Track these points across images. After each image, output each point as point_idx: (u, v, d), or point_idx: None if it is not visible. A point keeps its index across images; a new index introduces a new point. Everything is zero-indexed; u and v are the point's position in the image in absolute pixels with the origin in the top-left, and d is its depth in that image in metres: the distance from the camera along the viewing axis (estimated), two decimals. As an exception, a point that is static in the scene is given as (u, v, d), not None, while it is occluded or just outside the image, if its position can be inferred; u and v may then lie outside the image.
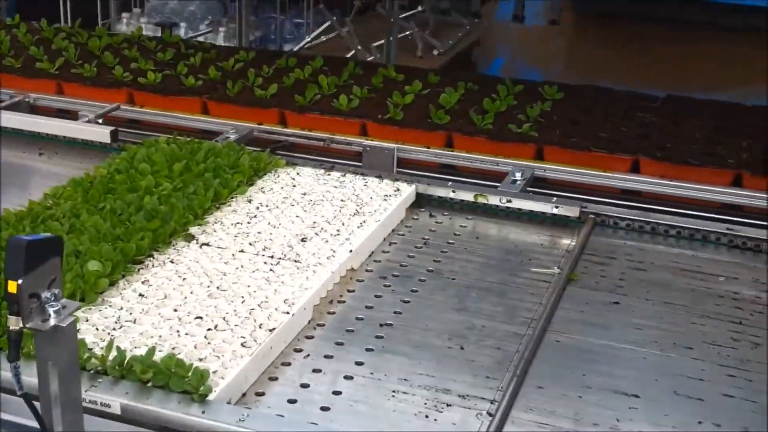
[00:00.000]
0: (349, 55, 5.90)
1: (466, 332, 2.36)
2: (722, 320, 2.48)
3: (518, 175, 3.16)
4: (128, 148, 3.17)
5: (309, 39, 6.73)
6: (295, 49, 6.44)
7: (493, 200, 3.02)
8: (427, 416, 2.04)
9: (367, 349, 2.27)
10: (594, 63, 6.70)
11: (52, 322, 1.66)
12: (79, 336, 2.05)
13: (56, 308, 1.67)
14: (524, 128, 3.41)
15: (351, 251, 2.57)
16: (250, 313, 2.25)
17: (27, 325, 1.65)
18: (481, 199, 3.02)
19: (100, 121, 3.57)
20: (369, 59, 6.14)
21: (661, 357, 2.30)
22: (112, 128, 3.40)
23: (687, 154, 3.29)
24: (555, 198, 3.02)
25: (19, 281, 1.61)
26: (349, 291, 2.53)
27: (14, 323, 1.64)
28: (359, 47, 6.42)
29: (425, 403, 2.08)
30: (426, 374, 2.18)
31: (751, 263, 2.81)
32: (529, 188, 3.14)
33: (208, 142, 3.22)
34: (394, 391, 2.12)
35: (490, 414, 2.04)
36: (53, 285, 1.68)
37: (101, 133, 3.41)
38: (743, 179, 3.21)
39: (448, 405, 2.08)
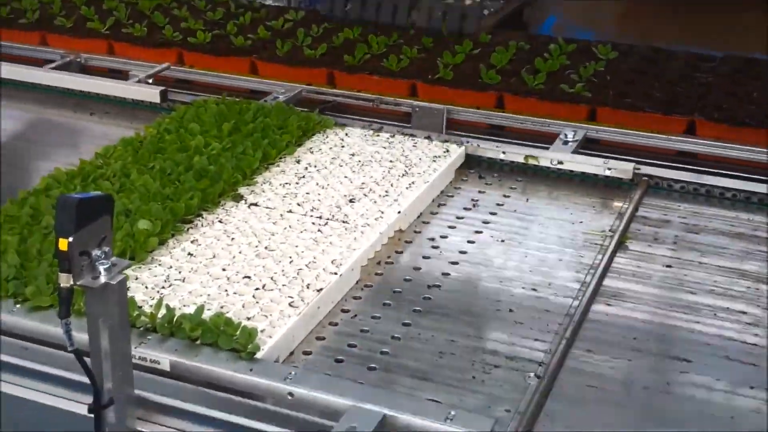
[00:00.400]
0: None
1: (517, 292, 2.36)
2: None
3: (570, 136, 3.12)
4: (178, 108, 3.19)
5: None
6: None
7: (544, 162, 3.00)
8: (474, 377, 2.04)
9: (414, 311, 2.28)
10: (648, 23, 6.57)
11: (103, 279, 1.69)
12: (129, 294, 2.09)
13: (107, 266, 1.69)
14: (577, 88, 3.38)
15: (399, 212, 2.57)
16: (297, 274, 2.27)
17: (78, 283, 1.67)
18: (531, 161, 3.00)
19: (150, 81, 3.60)
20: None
21: (714, 321, 2.28)
22: (162, 88, 3.42)
23: (744, 115, 3.23)
24: (608, 160, 2.98)
25: (70, 239, 1.63)
26: (397, 252, 2.53)
27: (65, 280, 1.66)
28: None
29: (473, 364, 2.08)
30: (473, 335, 2.18)
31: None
32: (581, 150, 3.11)
33: (257, 102, 3.23)
34: (441, 352, 2.12)
35: (538, 376, 2.03)
36: (104, 243, 1.70)
37: (151, 93, 3.43)
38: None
39: (495, 366, 2.08)
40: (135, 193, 2.53)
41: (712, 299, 2.37)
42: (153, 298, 2.15)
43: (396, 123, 3.35)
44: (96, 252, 1.69)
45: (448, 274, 2.43)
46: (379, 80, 3.58)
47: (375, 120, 3.30)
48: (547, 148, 3.08)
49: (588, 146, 3.18)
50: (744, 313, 2.32)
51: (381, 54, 3.72)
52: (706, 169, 3.04)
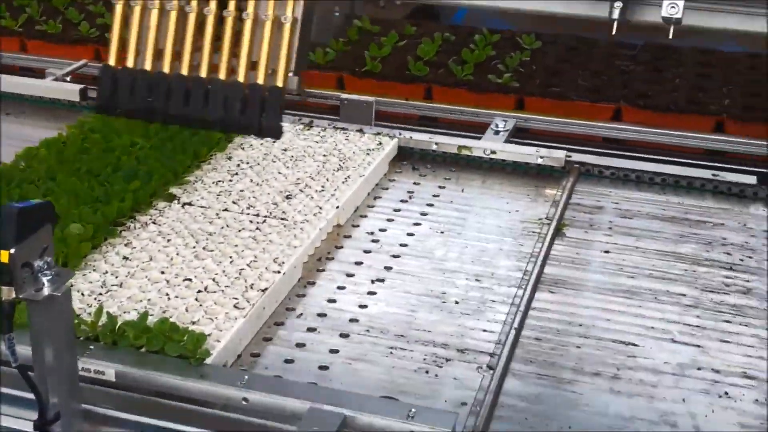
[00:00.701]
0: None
1: (461, 284, 2.35)
2: (713, 266, 2.49)
3: (501, 126, 3.13)
4: None
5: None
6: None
7: (477, 152, 3.00)
8: (427, 372, 2.03)
9: (361, 306, 2.25)
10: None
11: (46, 291, 1.62)
12: None
13: (50, 277, 1.63)
14: (504, 79, 3.39)
15: (338, 207, 2.54)
16: (240, 274, 2.22)
17: (21, 296, 1.60)
18: (464, 151, 3.00)
19: (68, 79, 3.49)
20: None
21: (656, 304, 2.31)
22: (82, 86, 3.32)
23: (668, 101, 3.29)
24: (539, 148, 3.00)
25: (12, 251, 1.56)
26: (337, 247, 2.50)
27: (6, 294, 1.59)
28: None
29: (424, 359, 2.07)
30: (423, 329, 2.17)
31: (737, 208, 2.82)
32: (512, 139, 3.12)
33: None
34: (391, 348, 2.10)
35: (490, 367, 2.03)
36: (45, 253, 1.64)
37: (70, 91, 3.32)
38: (726, 125, 3.22)
39: (447, 360, 2.07)
40: (63, 197, 2.44)
41: (652, 283, 2.40)
42: (91, 306, 2.08)
43: (324, 116, 3.32)
44: (38, 263, 1.62)
45: (391, 268, 2.41)
46: (305, 74, 3.52)
47: (304, 114, 3.26)
48: (479, 138, 3.08)
49: (518, 135, 3.21)
50: (683, 295, 2.36)
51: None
52: (636, 155, 3.10)
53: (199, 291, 2.16)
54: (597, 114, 3.30)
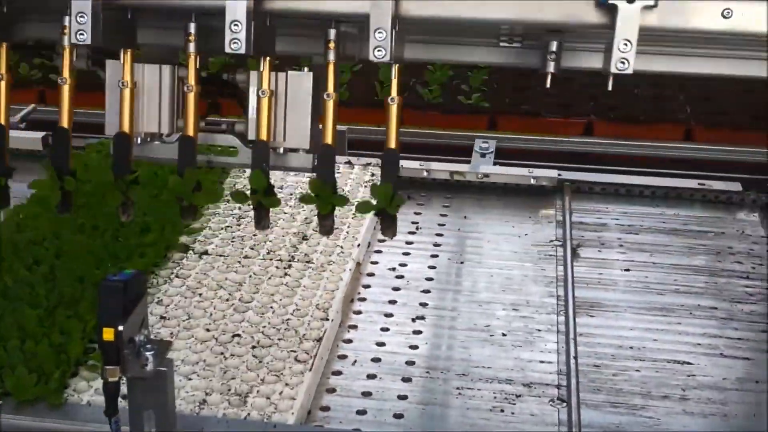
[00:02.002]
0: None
1: (500, 314, 2.37)
2: (731, 277, 2.58)
3: (486, 148, 3.16)
4: (74, 155, 2.97)
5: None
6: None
7: (470, 176, 3.02)
8: (502, 410, 2.03)
9: (411, 347, 2.24)
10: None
11: (151, 366, 1.55)
12: None
13: (153, 351, 1.56)
14: (474, 99, 3.42)
15: (358, 245, 2.52)
16: (287, 324, 2.18)
17: (128, 375, 1.54)
18: (457, 177, 3.02)
19: (23, 126, 3.33)
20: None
21: (693, 320, 2.37)
22: (43, 134, 3.18)
23: (638, 112, 3.39)
24: (532, 169, 3.05)
25: (120, 327, 1.50)
26: (364, 287, 2.48)
27: (113, 374, 1.53)
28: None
29: (494, 397, 2.07)
30: (482, 366, 2.17)
31: (729, 216, 2.93)
32: (496, 160, 3.16)
33: None
34: (458, 388, 2.10)
35: (562, 400, 2.05)
36: (143, 326, 1.57)
37: (31, 140, 3.18)
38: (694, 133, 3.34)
39: (517, 396, 2.08)
40: (78, 257, 2.34)
41: (681, 298, 2.47)
42: (144, 372, 2.00)
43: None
44: (139, 337, 1.55)
45: (426, 304, 2.41)
46: None
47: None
48: (467, 162, 3.11)
49: (500, 156, 3.24)
50: (715, 308, 2.43)
51: None
52: (622, 169, 3.18)
53: (254, 347, 2.10)
54: (569, 129, 3.36)
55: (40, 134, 3.20)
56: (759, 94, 3.59)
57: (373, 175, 2.94)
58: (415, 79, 3.61)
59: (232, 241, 2.53)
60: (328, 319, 2.20)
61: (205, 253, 2.48)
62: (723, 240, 2.77)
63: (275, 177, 2.86)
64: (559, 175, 3.02)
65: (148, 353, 1.55)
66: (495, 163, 3.11)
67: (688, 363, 2.21)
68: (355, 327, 2.31)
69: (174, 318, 2.21)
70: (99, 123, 3.37)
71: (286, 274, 2.38)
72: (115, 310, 1.50)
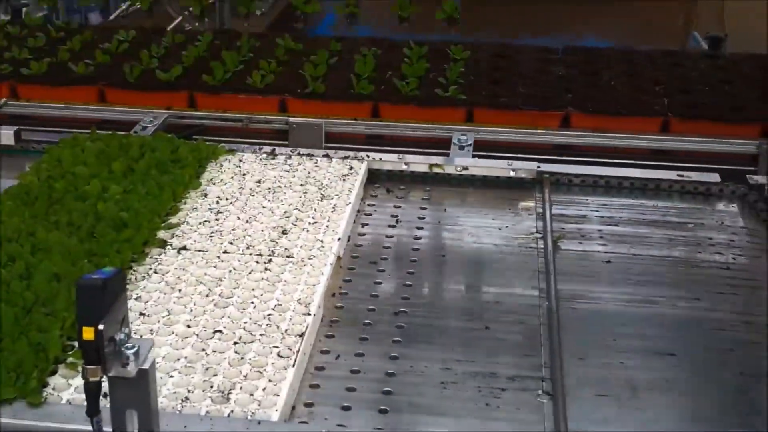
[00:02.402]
0: (171, 26, 5.55)
1: (483, 309, 2.33)
2: (711, 268, 2.57)
3: (464, 141, 3.14)
4: (47, 149, 2.92)
5: (124, 7, 6.30)
6: (111, 18, 6.05)
7: (449, 169, 2.99)
8: (487, 404, 2.00)
9: (395, 341, 2.20)
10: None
11: (133, 366, 1.51)
12: None
13: (134, 350, 1.51)
14: (452, 91, 3.39)
15: (339, 239, 2.48)
16: (269, 319, 2.13)
17: (110, 374, 1.49)
18: (436, 169, 2.98)
19: None
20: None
21: (678, 311, 2.35)
22: (16, 128, 3.13)
23: (616, 105, 3.36)
24: (511, 161, 3.03)
25: (100, 326, 1.45)
26: (345, 281, 2.44)
27: (94, 374, 1.48)
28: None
29: (479, 391, 2.04)
30: (466, 360, 2.14)
31: (708, 207, 2.92)
32: (474, 153, 3.13)
33: (136, 135, 3.01)
34: (443, 383, 2.06)
35: (548, 393, 2.02)
36: (124, 324, 1.53)
37: (4, 135, 3.11)
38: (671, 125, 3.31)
39: (502, 389, 2.04)
40: (53, 254, 2.28)
41: (664, 290, 2.45)
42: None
43: (271, 142, 3.24)
44: (119, 336, 1.51)
45: (408, 298, 2.37)
46: (247, 99, 3.44)
47: (262, 142, 3.18)
48: (445, 155, 3.08)
49: (477, 147, 3.21)
50: (697, 299, 2.42)
51: (239, 71, 3.59)
52: (600, 161, 3.17)
53: (235, 342, 2.06)
54: (546, 121, 3.33)
55: (12, 129, 3.14)
56: (735, 86, 3.59)
57: (351, 168, 2.90)
58: (391, 71, 3.56)
59: (211, 237, 2.48)
60: (310, 314, 2.16)
61: (184, 248, 2.43)
62: (702, 231, 2.76)
63: (254, 170, 2.84)
64: (539, 167, 3.00)
65: (129, 352, 1.51)
66: (473, 156, 3.07)
67: (672, 355, 2.18)
68: (337, 322, 2.27)
69: (154, 314, 2.16)
70: (72, 117, 3.38)
71: (266, 269, 2.34)
72: (95, 309, 1.45)
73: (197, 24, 4.74)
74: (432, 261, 2.56)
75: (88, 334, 1.45)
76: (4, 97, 3.43)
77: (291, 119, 3.28)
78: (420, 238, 2.67)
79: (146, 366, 1.53)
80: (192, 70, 3.61)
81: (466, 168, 2.99)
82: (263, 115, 3.35)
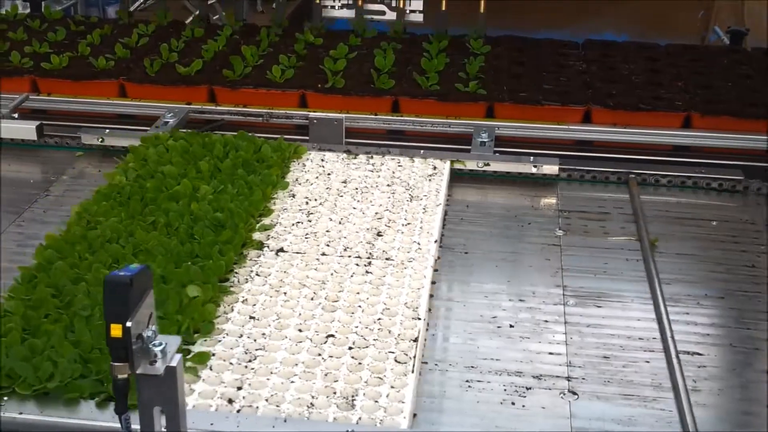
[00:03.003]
0: (189, 19, 5.48)
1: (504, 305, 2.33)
2: (737, 265, 2.56)
3: (485, 137, 3.11)
4: (132, 148, 2.88)
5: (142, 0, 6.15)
6: (131, 9, 5.93)
7: (470, 164, 2.99)
8: (513, 404, 2.00)
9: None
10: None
11: (160, 363, 1.51)
12: (215, 374, 1.94)
13: (161, 347, 1.51)
14: (471, 86, 3.36)
15: (435, 241, 2.49)
16: (379, 323, 2.15)
17: (138, 371, 1.49)
18: (458, 165, 2.99)
19: (16, 115, 3.20)
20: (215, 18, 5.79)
21: (701, 309, 2.35)
22: (37, 123, 3.06)
23: (637, 101, 3.36)
24: (532, 158, 3.02)
25: (128, 323, 1.44)
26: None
27: (122, 371, 1.48)
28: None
29: (504, 389, 2.04)
30: (491, 358, 2.14)
31: (731, 204, 2.92)
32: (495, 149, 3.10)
33: (218, 133, 2.96)
34: (467, 380, 2.07)
35: (573, 392, 2.04)
36: (151, 321, 1.52)
37: (26, 130, 3.07)
38: (693, 120, 3.32)
39: (528, 388, 2.05)
40: (155, 255, 2.26)
41: (687, 288, 2.44)
42: (248, 378, 1.95)
43: (291, 137, 3.17)
44: (147, 333, 1.50)
45: (432, 296, 2.34)
46: (267, 93, 3.38)
47: (270, 135, 3.10)
48: (463, 150, 3.07)
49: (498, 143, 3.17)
50: (722, 298, 2.41)
51: (259, 66, 3.54)
52: (622, 157, 3.16)
53: (350, 347, 2.07)
54: (567, 117, 3.32)
55: (34, 123, 3.08)
56: (756, 81, 3.60)
57: (434, 168, 2.89)
58: (409, 66, 3.56)
59: (306, 238, 2.46)
60: (420, 318, 2.17)
61: (281, 250, 2.41)
62: (727, 228, 2.75)
63: (337, 170, 2.82)
64: (561, 164, 2.99)
65: (156, 349, 1.50)
66: (495, 152, 3.05)
67: (698, 354, 2.18)
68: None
69: (263, 318, 2.14)
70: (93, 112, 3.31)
71: (367, 271, 2.33)
72: (123, 306, 1.44)
73: (215, 17, 4.73)
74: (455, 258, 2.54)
75: (116, 331, 1.44)
76: (25, 92, 3.36)
77: (311, 114, 3.21)
78: (443, 235, 2.63)
79: (173, 363, 1.51)
80: (211, 64, 3.56)
81: (487, 164, 2.99)
82: (283, 111, 3.31)
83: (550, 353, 2.15)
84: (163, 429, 1.56)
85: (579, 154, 3.19)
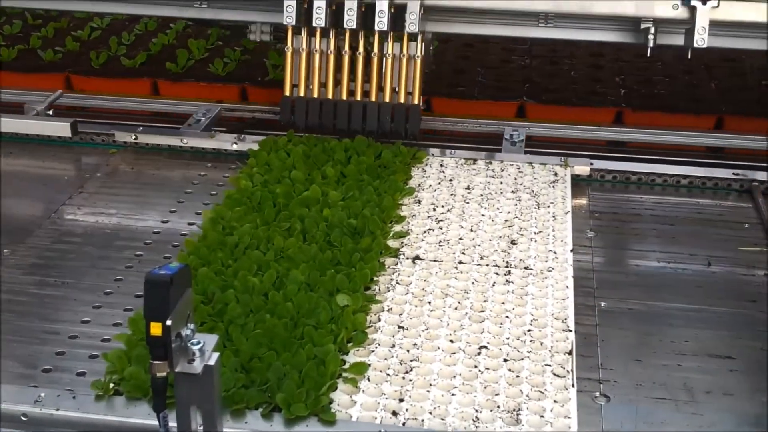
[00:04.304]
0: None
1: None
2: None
3: (516, 136, 3.06)
4: (252, 152, 2.83)
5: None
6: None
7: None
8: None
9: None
10: None
11: (198, 362, 1.47)
12: (374, 385, 1.87)
13: (199, 346, 1.48)
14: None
15: (571, 250, 2.41)
16: (530, 335, 2.06)
17: (177, 370, 1.46)
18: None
19: (50, 112, 3.14)
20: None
21: (734, 311, 2.26)
22: (71, 120, 3.02)
23: (571, 96, 3.36)
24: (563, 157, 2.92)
25: (167, 322, 1.41)
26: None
27: (161, 369, 1.45)
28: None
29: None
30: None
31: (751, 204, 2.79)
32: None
33: (337, 139, 2.89)
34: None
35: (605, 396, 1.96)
36: (189, 320, 1.49)
37: (61, 127, 3.03)
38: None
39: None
40: (299, 262, 2.19)
41: (720, 291, 2.35)
42: (408, 390, 1.87)
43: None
44: (186, 332, 1.47)
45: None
46: (207, 87, 3.41)
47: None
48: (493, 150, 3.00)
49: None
50: (754, 301, 2.30)
51: (204, 59, 3.56)
52: (655, 158, 3.06)
53: (505, 360, 1.99)
54: (501, 111, 3.31)
55: (68, 120, 3.03)
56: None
57: (555, 174, 2.80)
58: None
59: (440, 246, 2.38)
60: (570, 330, 2.08)
61: (418, 258, 2.33)
62: (757, 231, 2.63)
63: (459, 176, 2.74)
64: (592, 164, 2.89)
65: (194, 348, 1.47)
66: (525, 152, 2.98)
67: (730, 358, 2.09)
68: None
69: (412, 328, 2.06)
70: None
71: (508, 281, 2.24)
72: (163, 305, 1.41)
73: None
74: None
75: (155, 329, 1.42)
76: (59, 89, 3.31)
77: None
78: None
79: (211, 362, 1.48)
80: (157, 57, 3.59)
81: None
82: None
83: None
84: (199, 428, 1.54)
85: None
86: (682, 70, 3.69)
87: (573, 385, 1.91)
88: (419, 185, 2.70)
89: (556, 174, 2.81)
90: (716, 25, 2.80)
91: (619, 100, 3.34)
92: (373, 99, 2.92)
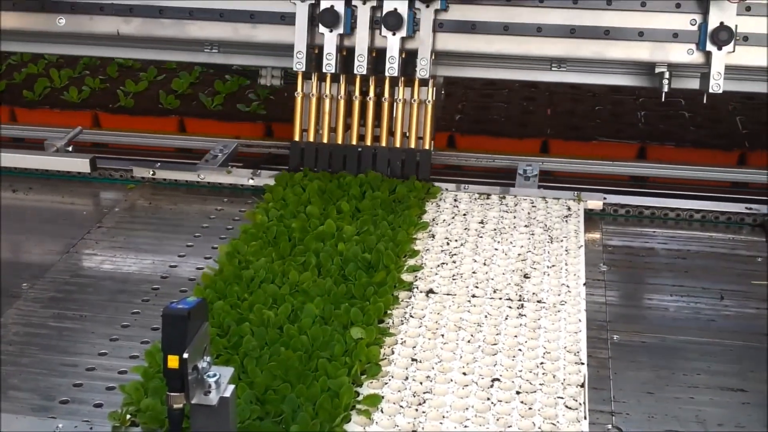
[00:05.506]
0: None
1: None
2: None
3: (530, 171, 3.07)
4: (268, 187, 2.88)
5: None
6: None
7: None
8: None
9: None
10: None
11: (214, 393, 1.50)
12: (387, 416, 1.89)
13: (215, 378, 1.51)
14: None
15: (584, 284, 2.43)
16: (542, 368, 2.08)
17: (193, 401, 1.48)
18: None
19: (70, 149, 3.19)
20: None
21: (749, 344, 2.26)
22: (90, 156, 3.08)
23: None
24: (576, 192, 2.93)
25: (185, 355, 1.45)
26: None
27: (178, 401, 1.48)
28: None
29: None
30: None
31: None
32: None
33: (352, 174, 2.93)
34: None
35: (618, 428, 1.96)
36: (206, 352, 1.52)
37: (80, 163, 3.09)
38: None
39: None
40: (313, 296, 2.21)
41: (734, 325, 2.36)
42: (422, 422, 1.88)
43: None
44: (202, 364, 1.50)
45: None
46: (61, 113, 3.55)
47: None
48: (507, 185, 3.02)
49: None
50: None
51: (63, 87, 3.70)
52: (669, 192, 3.08)
53: (518, 392, 2.00)
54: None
55: (87, 156, 3.09)
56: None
57: (569, 209, 2.82)
58: (208, 89, 3.77)
59: (454, 280, 2.41)
60: (582, 363, 2.10)
61: (431, 291, 2.36)
62: None
63: (473, 210, 2.77)
64: (605, 199, 2.91)
65: (210, 380, 1.51)
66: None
67: (743, 390, 2.09)
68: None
69: (425, 361, 2.08)
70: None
71: (521, 314, 2.26)
72: (180, 338, 1.44)
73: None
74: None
75: (173, 362, 1.45)
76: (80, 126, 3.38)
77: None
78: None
79: (227, 394, 1.51)
80: (19, 86, 3.75)
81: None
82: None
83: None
84: None
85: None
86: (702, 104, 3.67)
87: (585, 418, 1.92)
88: (433, 220, 2.72)
89: (569, 208, 2.83)
90: (732, 69, 2.82)
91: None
92: (383, 144, 2.93)
